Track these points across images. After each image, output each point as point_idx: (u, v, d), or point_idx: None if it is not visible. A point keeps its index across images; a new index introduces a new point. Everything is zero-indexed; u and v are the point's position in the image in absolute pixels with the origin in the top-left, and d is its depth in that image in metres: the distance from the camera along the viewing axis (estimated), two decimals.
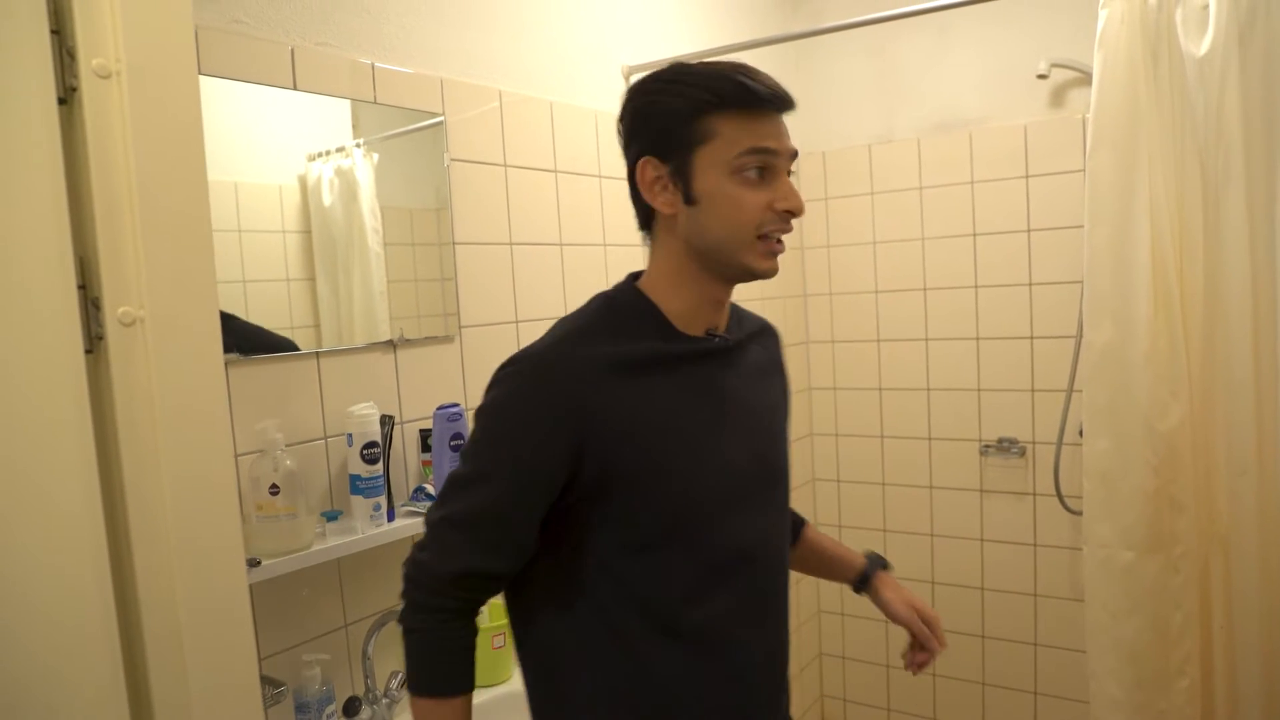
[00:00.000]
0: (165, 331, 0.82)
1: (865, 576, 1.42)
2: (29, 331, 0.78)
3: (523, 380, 1.06)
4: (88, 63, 0.78)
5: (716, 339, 1.15)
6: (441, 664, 1.09)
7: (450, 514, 1.07)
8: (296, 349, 1.58)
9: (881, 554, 1.46)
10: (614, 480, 1.05)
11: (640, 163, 1.09)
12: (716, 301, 1.15)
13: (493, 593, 1.11)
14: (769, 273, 1.12)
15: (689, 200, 1.07)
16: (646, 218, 1.14)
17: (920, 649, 1.40)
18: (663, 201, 1.09)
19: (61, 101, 0.78)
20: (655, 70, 1.12)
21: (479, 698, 1.62)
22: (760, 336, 1.29)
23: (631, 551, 1.07)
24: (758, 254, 1.10)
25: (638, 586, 1.08)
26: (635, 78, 2.36)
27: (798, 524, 1.42)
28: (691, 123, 1.06)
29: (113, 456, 0.81)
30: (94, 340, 0.80)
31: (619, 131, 1.14)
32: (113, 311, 0.80)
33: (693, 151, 1.06)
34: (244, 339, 1.51)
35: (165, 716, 0.87)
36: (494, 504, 1.05)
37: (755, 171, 1.06)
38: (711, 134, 1.05)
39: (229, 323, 1.46)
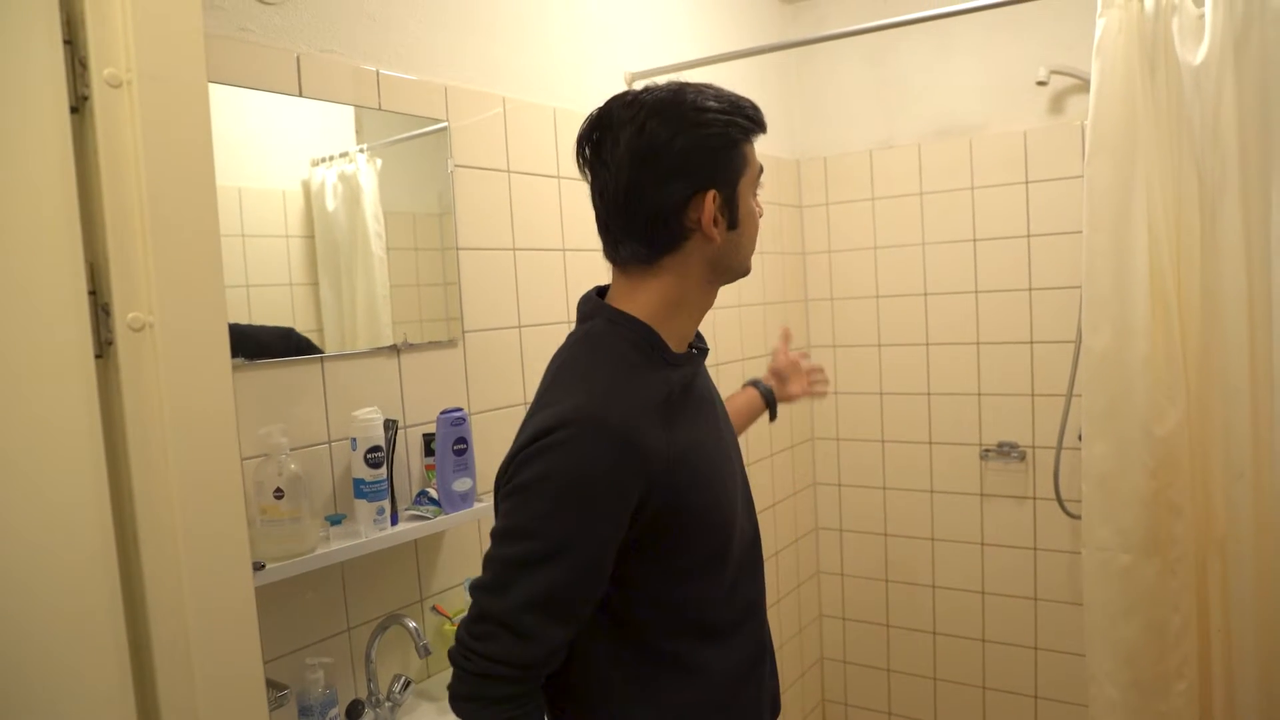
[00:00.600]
0: (174, 337, 0.84)
1: (769, 401, 1.65)
2: (40, 336, 0.79)
3: (583, 446, 1.00)
4: (99, 72, 0.80)
5: (695, 350, 1.19)
6: None
7: (530, 598, 1.01)
8: (319, 350, 1.62)
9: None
10: (669, 516, 1.05)
11: (703, 198, 1.07)
12: (709, 309, 1.19)
13: (560, 662, 1.07)
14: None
15: (732, 225, 1.11)
16: (663, 248, 1.10)
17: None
18: (716, 232, 1.09)
19: (74, 110, 0.79)
20: (663, 99, 1.08)
21: None
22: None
23: (681, 579, 1.10)
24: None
25: (688, 609, 1.11)
26: (639, 84, 2.38)
27: None
28: (738, 152, 1.10)
29: (121, 459, 0.82)
30: (104, 345, 0.81)
31: (634, 156, 1.07)
32: (122, 317, 0.81)
33: (739, 179, 1.10)
34: (266, 346, 1.55)
35: (172, 718, 0.88)
36: (576, 577, 1.02)
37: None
38: (746, 160, 1.11)
39: (256, 334, 1.53)
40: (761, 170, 1.15)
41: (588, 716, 1.13)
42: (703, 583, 1.12)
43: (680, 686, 1.11)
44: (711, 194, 1.07)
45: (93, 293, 0.80)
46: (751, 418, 1.63)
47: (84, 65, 0.80)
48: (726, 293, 1.36)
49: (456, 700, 1.03)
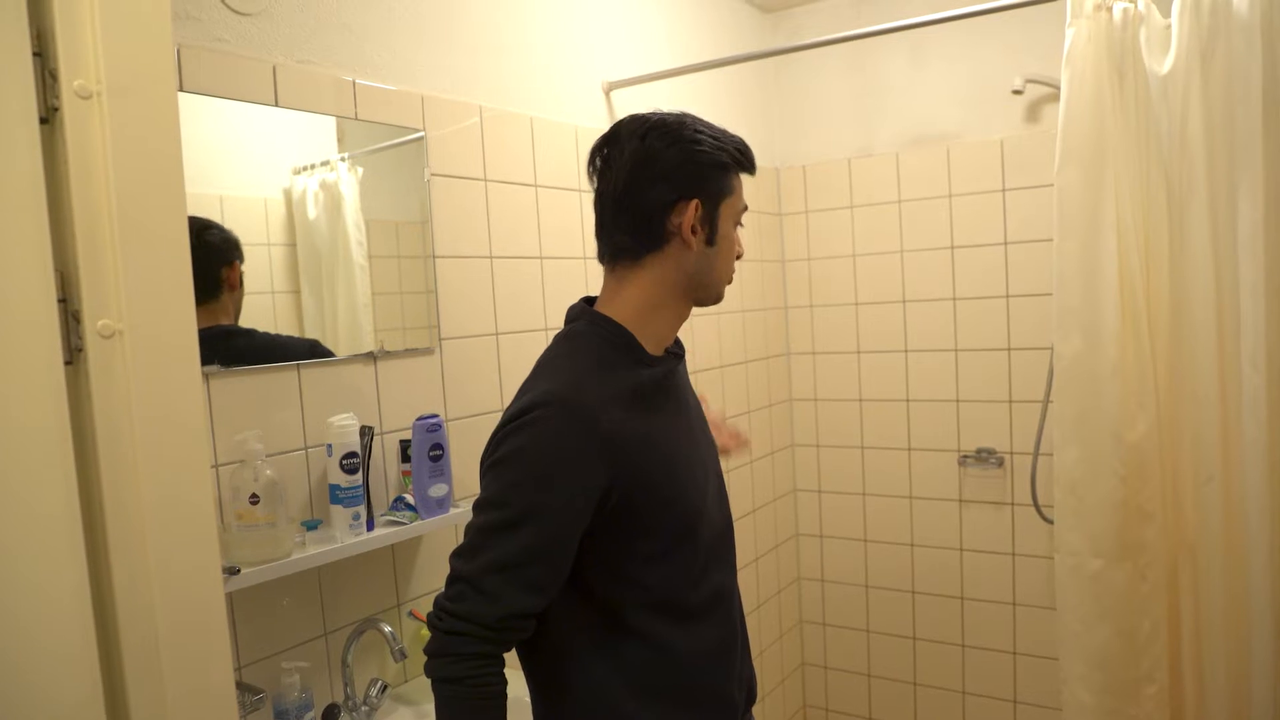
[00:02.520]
0: (144, 344, 0.84)
1: None
2: (10, 343, 0.80)
3: (555, 423, 1.11)
4: (69, 84, 0.81)
5: (670, 354, 1.30)
6: (489, 711, 1.12)
7: (494, 560, 1.11)
8: (330, 354, 1.68)
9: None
10: (636, 501, 1.15)
11: (687, 203, 1.19)
12: (683, 321, 1.30)
13: (527, 633, 1.16)
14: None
15: (710, 241, 1.23)
16: (646, 243, 1.21)
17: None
18: (694, 240, 1.21)
19: (43, 121, 0.80)
20: (666, 120, 1.23)
21: None
22: None
23: (650, 560, 1.19)
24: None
25: (656, 589, 1.20)
26: (615, 93, 2.41)
27: None
28: (724, 176, 1.23)
29: (91, 466, 0.83)
30: (74, 352, 0.82)
31: (633, 162, 1.20)
32: (92, 324, 0.82)
33: (721, 200, 1.23)
34: (293, 355, 1.62)
35: (142, 717, 0.89)
36: (540, 544, 1.11)
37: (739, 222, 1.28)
38: (731, 188, 1.24)
39: (249, 337, 1.58)
40: (745, 208, 1.27)
41: (553, 682, 1.22)
42: (671, 566, 1.20)
43: (646, 662, 1.20)
44: (695, 203, 1.19)
45: (62, 300, 0.81)
46: None
47: (54, 77, 0.81)
48: None
49: (429, 658, 1.13)
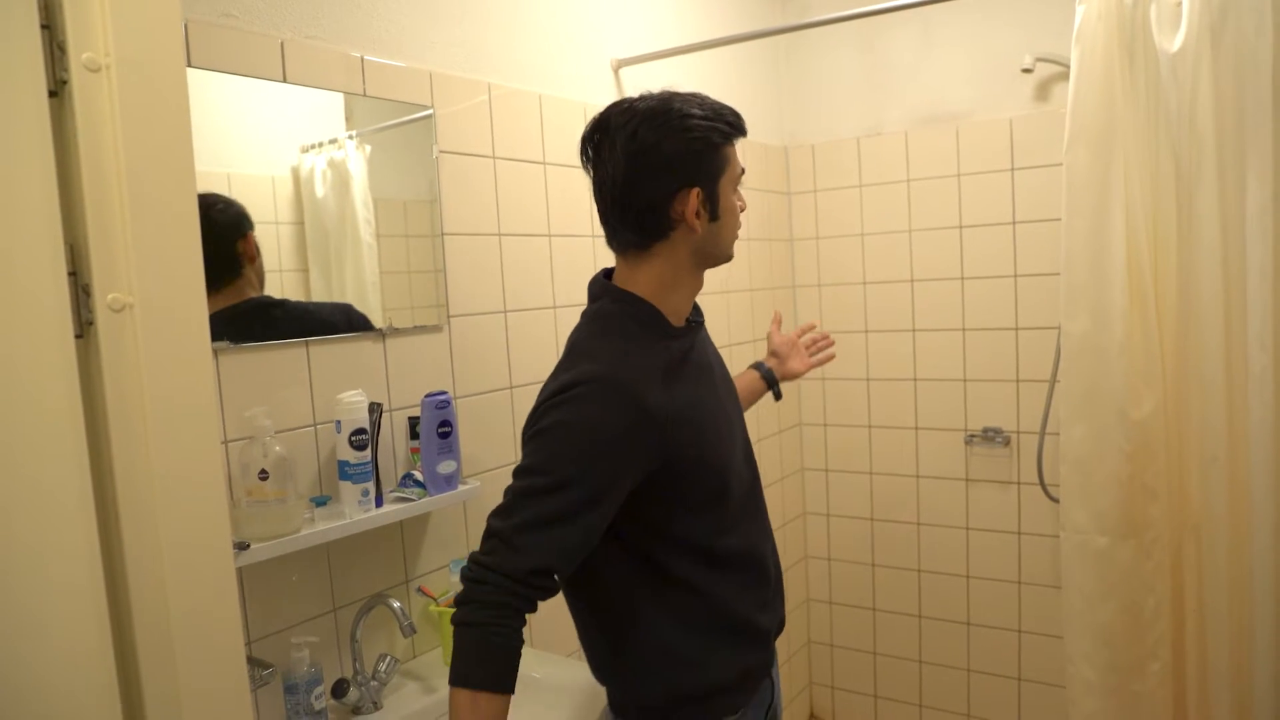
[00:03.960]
0: (154, 317, 0.85)
1: (770, 381, 1.81)
2: (21, 316, 0.80)
3: (596, 400, 1.20)
4: (78, 56, 0.81)
5: (692, 322, 1.39)
6: (498, 660, 1.18)
7: (525, 519, 1.18)
8: (365, 319, 1.72)
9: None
10: (675, 469, 1.25)
11: (687, 193, 1.25)
12: (699, 290, 1.37)
13: (551, 593, 1.21)
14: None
15: (714, 218, 1.29)
16: (653, 235, 1.28)
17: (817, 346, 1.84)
18: (699, 223, 1.27)
19: (52, 94, 0.80)
20: (653, 107, 1.25)
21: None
22: None
23: (687, 516, 1.30)
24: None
25: (694, 540, 1.31)
26: (623, 70, 2.40)
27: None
28: (719, 154, 1.28)
29: (102, 439, 0.84)
30: (84, 325, 0.83)
31: (627, 157, 1.25)
32: (102, 297, 0.82)
33: (720, 177, 1.28)
34: (327, 323, 1.65)
35: (154, 695, 0.90)
36: (572, 510, 1.19)
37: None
38: (727, 160, 1.29)
39: (284, 307, 1.60)
40: (743, 171, 1.34)
41: (615, 628, 1.34)
42: (706, 519, 1.32)
43: (688, 603, 1.32)
44: (695, 191, 1.25)
45: (73, 274, 0.82)
46: (753, 398, 1.78)
47: (62, 50, 0.81)
48: (714, 279, 1.44)
49: (457, 606, 1.20)
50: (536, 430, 1.22)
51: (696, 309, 1.41)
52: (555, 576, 1.21)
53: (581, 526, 1.20)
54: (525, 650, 1.41)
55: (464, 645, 1.18)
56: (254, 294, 1.56)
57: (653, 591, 1.32)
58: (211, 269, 1.44)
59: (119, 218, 0.83)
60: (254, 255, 1.56)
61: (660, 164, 1.23)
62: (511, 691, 1.19)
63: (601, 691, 1.43)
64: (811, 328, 1.88)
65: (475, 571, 1.19)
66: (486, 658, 1.17)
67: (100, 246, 0.82)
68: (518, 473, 1.22)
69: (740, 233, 1.39)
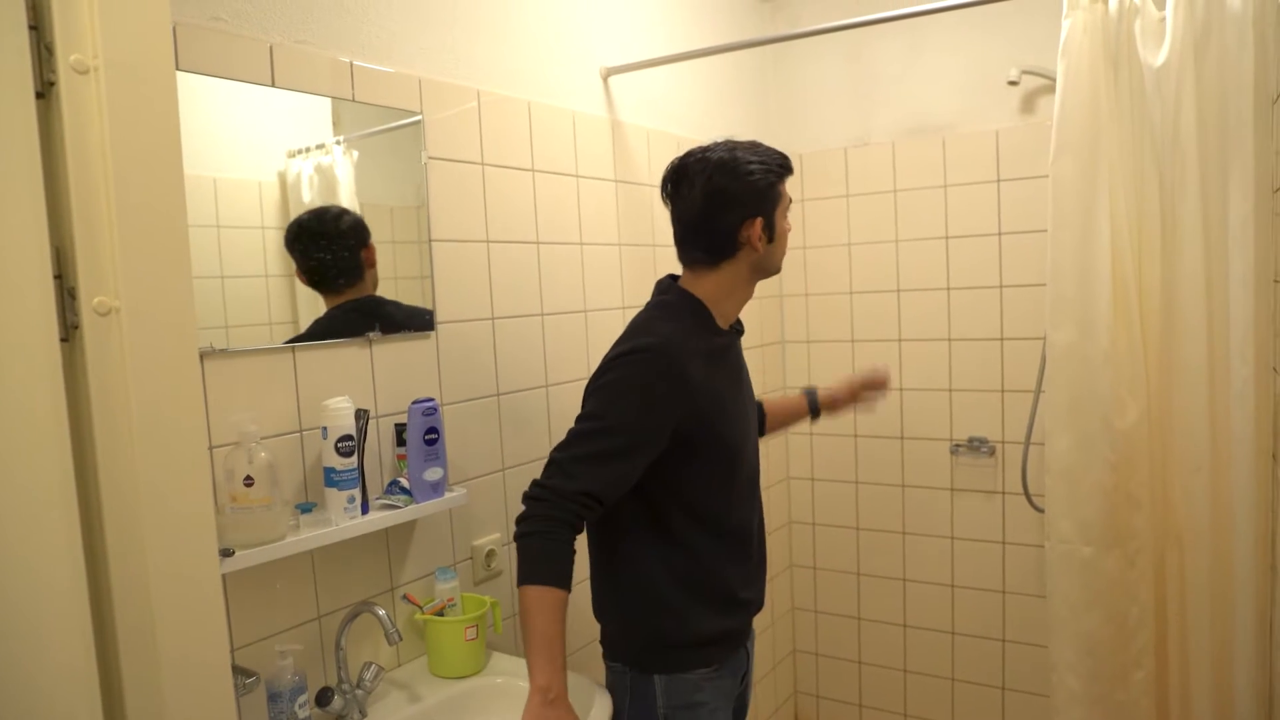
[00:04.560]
0: (140, 322, 0.84)
1: (814, 406, 2.08)
2: (6, 318, 0.79)
3: (651, 365, 1.51)
4: (65, 58, 0.80)
5: (735, 328, 1.71)
6: (554, 561, 1.46)
7: (581, 452, 1.50)
8: (431, 325, 1.88)
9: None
10: (697, 434, 1.54)
11: (754, 221, 1.59)
12: (749, 299, 1.70)
13: (594, 514, 1.51)
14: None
15: (770, 240, 1.63)
16: (721, 255, 1.61)
17: (873, 389, 2.09)
18: (759, 244, 1.61)
19: (40, 96, 0.80)
20: (723, 158, 1.58)
21: (457, 687, 1.72)
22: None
23: (702, 482, 1.59)
24: None
25: (698, 505, 1.59)
26: (612, 79, 2.40)
27: (761, 411, 2.00)
28: (777, 188, 1.61)
29: (87, 443, 0.83)
30: (69, 329, 0.82)
31: (705, 197, 1.58)
32: (88, 301, 0.81)
33: (776, 208, 1.62)
34: (406, 318, 1.82)
35: (136, 702, 0.89)
36: (619, 449, 1.50)
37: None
38: (780, 195, 1.62)
39: (396, 305, 1.81)
40: (790, 201, 1.66)
41: (619, 571, 1.64)
42: (715, 493, 1.61)
43: (686, 563, 1.60)
44: (759, 220, 1.59)
45: (58, 277, 0.81)
46: (789, 417, 2.09)
47: (50, 51, 0.80)
48: None
49: (518, 524, 1.50)
50: (598, 385, 1.53)
51: (739, 321, 1.72)
52: (600, 503, 1.49)
53: (625, 461, 1.50)
54: (512, 660, 1.75)
55: (528, 552, 1.47)
56: (368, 293, 1.76)
57: (657, 546, 1.59)
58: (341, 273, 1.71)
59: (105, 221, 0.83)
60: (373, 262, 1.75)
61: (731, 201, 1.57)
62: (568, 589, 1.47)
63: (596, 696, 1.63)
64: (880, 375, 2.11)
65: (535, 491, 1.50)
66: (547, 558, 1.46)
67: (86, 250, 0.82)
68: (580, 418, 1.53)
69: None
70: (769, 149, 1.62)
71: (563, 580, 1.46)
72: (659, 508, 1.58)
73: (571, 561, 1.48)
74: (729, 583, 1.65)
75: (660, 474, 1.54)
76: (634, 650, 1.64)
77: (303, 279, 1.65)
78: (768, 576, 1.80)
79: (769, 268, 1.67)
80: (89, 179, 0.82)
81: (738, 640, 1.70)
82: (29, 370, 0.79)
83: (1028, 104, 2.76)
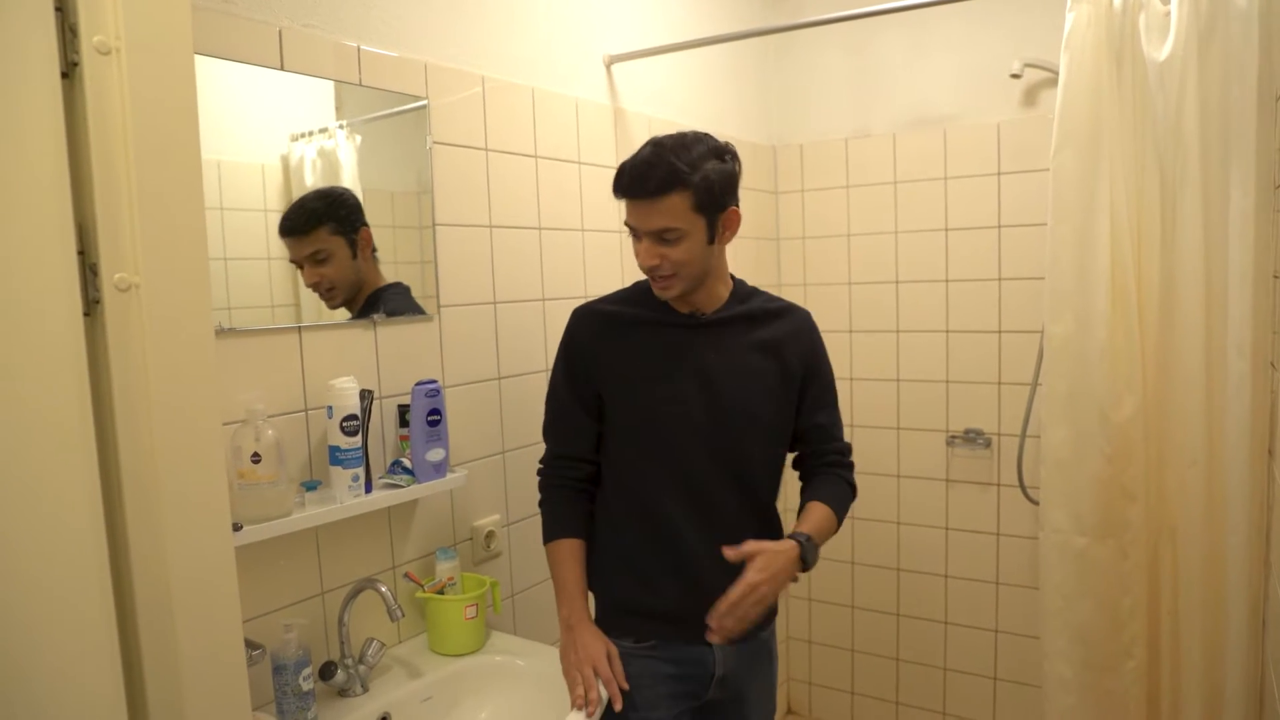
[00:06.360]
0: (159, 297, 0.86)
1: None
2: (31, 293, 0.81)
3: (567, 328, 1.71)
4: (89, 39, 0.82)
5: (690, 316, 1.66)
6: (555, 520, 1.70)
7: (546, 420, 1.74)
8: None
9: (810, 544, 1.60)
10: (608, 396, 1.66)
11: (735, 209, 1.60)
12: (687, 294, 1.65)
13: (587, 469, 1.71)
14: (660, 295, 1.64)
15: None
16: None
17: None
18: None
19: (64, 76, 0.81)
20: (715, 143, 1.56)
21: (457, 665, 1.76)
22: (773, 320, 1.75)
23: (616, 447, 1.68)
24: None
25: (620, 472, 1.68)
26: (615, 66, 2.41)
27: (813, 493, 1.75)
28: (617, 196, 1.56)
29: (107, 413, 0.85)
30: (91, 304, 0.84)
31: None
32: (109, 277, 0.83)
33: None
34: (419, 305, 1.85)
35: (155, 668, 0.90)
36: (563, 406, 1.70)
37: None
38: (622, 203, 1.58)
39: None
40: (626, 225, 1.58)
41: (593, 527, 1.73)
42: (626, 460, 1.67)
43: (614, 523, 1.69)
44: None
45: (81, 253, 0.83)
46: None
47: (74, 32, 0.82)
48: None
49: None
50: None
51: (743, 307, 1.71)
52: (579, 459, 1.70)
53: (572, 419, 1.69)
54: (511, 640, 1.87)
55: (542, 517, 1.72)
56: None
57: (603, 504, 1.71)
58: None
59: (126, 198, 0.84)
60: (371, 246, 1.76)
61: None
62: (572, 537, 1.67)
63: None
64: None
65: (538, 466, 1.75)
66: (550, 518, 1.70)
67: (108, 227, 0.83)
68: None
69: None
70: (631, 168, 1.52)
71: (565, 533, 1.68)
72: (602, 466, 1.72)
73: (574, 515, 1.69)
74: (640, 563, 1.65)
75: (608, 445, 1.70)
76: (595, 605, 1.73)
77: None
78: None
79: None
80: (110, 157, 0.83)
81: (665, 625, 1.64)
82: (53, 343, 0.81)
83: (1030, 97, 2.77)
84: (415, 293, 1.86)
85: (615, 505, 1.68)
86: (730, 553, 1.51)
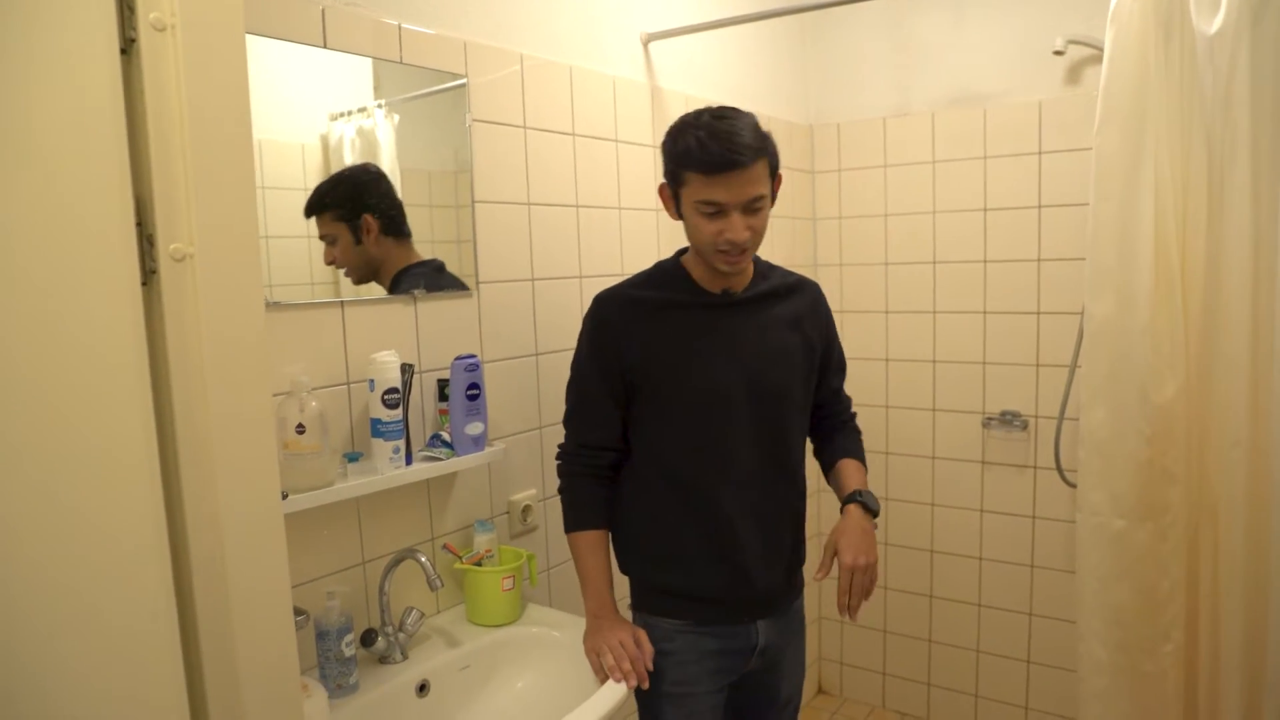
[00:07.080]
0: (212, 267, 0.88)
1: (842, 508, 1.73)
2: (93, 263, 0.84)
3: (590, 315, 1.67)
4: (146, 16, 0.84)
5: (724, 295, 1.65)
6: (576, 509, 1.70)
7: (568, 408, 1.72)
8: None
9: (872, 500, 1.72)
10: (642, 379, 1.62)
11: (663, 186, 1.61)
12: (717, 273, 1.63)
13: (609, 458, 1.69)
14: (726, 274, 1.63)
15: (680, 216, 1.60)
16: (677, 214, 1.62)
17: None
18: (670, 210, 1.62)
19: (123, 52, 0.84)
20: (692, 114, 1.54)
21: (494, 635, 1.78)
22: (792, 294, 1.76)
23: (654, 429, 1.65)
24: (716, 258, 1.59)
25: (658, 454, 1.65)
26: (653, 45, 2.41)
27: (840, 450, 1.85)
28: (682, 174, 1.54)
29: (163, 380, 0.87)
30: (148, 274, 0.86)
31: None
32: (165, 248, 0.86)
33: (682, 187, 1.55)
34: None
35: (210, 628, 0.93)
36: (588, 394, 1.68)
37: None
38: (687, 180, 1.53)
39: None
40: (704, 201, 1.52)
41: (622, 511, 1.72)
42: (665, 440, 1.64)
43: (652, 505, 1.67)
44: (665, 185, 1.61)
45: (139, 224, 0.85)
46: (836, 490, 1.82)
47: (131, 9, 0.84)
48: None
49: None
50: None
51: (767, 284, 1.71)
52: (604, 447, 1.68)
53: (598, 407, 1.66)
54: (547, 612, 1.90)
55: (562, 506, 1.72)
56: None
57: (637, 488, 1.69)
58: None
59: (181, 172, 0.86)
60: (376, 232, 1.74)
61: (664, 161, 1.61)
62: (598, 527, 1.69)
63: None
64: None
65: (557, 453, 1.74)
66: (571, 508, 1.70)
67: (164, 199, 0.86)
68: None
69: None
70: (715, 140, 1.47)
71: (589, 523, 1.68)
72: (636, 452, 1.69)
73: (596, 504, 1.69)
74: (683, 548, 1.64)
75: (633, 417, 1.67)
76: (632, 582, 1.75)
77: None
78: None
79: (694, 243, 1.61)
80: (166, 131, 0.85)
81: (711, 605, 1.65)
82: (113, 311, 0.84)
83: (1073, 74, 2.73)
84: (453, 269, 1.88)
85: (654, 489, 1.66)
86: (820, 575, 1.64)
